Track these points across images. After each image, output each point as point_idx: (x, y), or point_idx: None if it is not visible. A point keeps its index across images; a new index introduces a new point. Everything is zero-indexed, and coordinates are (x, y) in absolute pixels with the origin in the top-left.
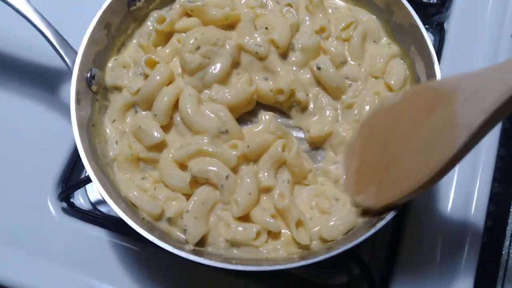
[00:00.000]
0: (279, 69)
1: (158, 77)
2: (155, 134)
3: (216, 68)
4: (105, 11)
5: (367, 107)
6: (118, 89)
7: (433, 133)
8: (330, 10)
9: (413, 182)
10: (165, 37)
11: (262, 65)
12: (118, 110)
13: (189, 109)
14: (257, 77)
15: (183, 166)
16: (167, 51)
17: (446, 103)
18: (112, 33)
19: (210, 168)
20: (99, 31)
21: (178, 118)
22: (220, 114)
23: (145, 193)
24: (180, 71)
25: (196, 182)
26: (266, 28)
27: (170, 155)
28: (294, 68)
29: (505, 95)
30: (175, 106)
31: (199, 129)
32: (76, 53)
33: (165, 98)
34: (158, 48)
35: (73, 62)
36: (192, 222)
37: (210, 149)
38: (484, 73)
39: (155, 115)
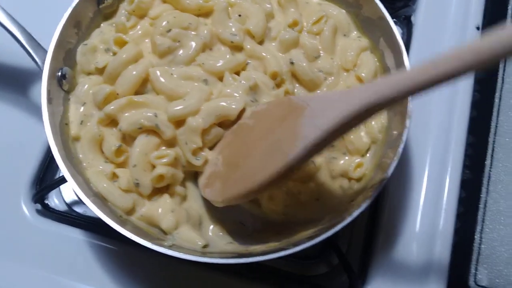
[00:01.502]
0: (264, 54)
1: (124, 55)
2: (105, 88)
3: (186, 51)
4: (74, 9)
5: None
6: (90, 74)
7: (277, 140)
8: (300, 4)
9: (251, 183)
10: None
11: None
12: (85, 91)
13: (162, 79)
14: None
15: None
16: (139, 32)
17: (296, 115)
18: (83, 31)
19: (137, 115)
20: (69, 30)
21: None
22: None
23: (115, 187)
24: (150, 51)
25: (131, 138)
26: (240, 16)
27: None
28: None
29: (337, 119)
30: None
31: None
32: (46, 52)
33: (133, 73)
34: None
35: (43, 61)
36: (142, 174)
37: (141, 99)
38: (333, 95)
39: (118, 94)
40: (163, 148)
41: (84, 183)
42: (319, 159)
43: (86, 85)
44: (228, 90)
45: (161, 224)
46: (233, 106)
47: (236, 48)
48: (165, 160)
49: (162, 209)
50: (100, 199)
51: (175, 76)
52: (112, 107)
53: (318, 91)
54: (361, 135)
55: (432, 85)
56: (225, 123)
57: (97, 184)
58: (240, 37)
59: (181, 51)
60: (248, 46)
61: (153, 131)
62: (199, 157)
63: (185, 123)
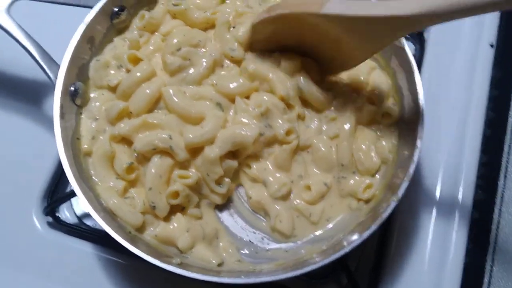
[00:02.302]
0: (270, 76)
1: (138, 74)
2: (118, 105)
3: (197, 69)
4: (88, 25)
5: (347, 125)
6: (103, 89)
7: None
8: None
9: None
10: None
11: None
12: (98, 107)
13: (175, 98)
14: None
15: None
16: (151, 48)
17: None
18: (96, 46)
19: (152, 137)
20: (82, 45)
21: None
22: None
23: (125, 203)
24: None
25: (144, 158)
26: (234, 27)
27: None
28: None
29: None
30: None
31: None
32: (59, 66)
33: (147, 91)
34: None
35: (56, 76)
36: (158, 197)
37: (155, 121)
38: None
39: (131, 112)
40: (179, 169)
41: (95, 198)
42: (329, 179)
43: (99, 102)
44: (243, 119)
45: (177, 243)
46: (249, 134)
47: (236, 62)
48: (187, 181)
49: (177, 228)
50: (110, 215)
51: (187, 95)
52: (127, 128)
53: (327, 111)
54: (371, 155)
55: None
56: (239, 151)
57: (107, 200)
58: (239, 52)
59: (192, 70)
60: (252, 67)
61: (167, 152)
62: (223, 184)
63: (202, 151)
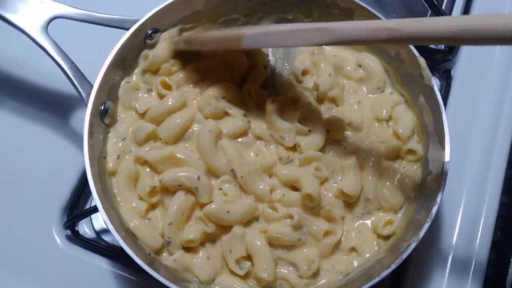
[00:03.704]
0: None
1: (170, 102)
2: (147, 127)
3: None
4: (122, 46)
5: (372, 159)
6: (132, 109)
7: None
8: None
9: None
10: None
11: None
12: (125, 128)
13: (206, 145)
14: None
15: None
16: (181, 75)
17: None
18: (127, 66)
19: (181, 174)
20: (115, 65)
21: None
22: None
23: (146, 225)
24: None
25: (167, 189)
26: None
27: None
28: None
29: None
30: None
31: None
32: (91, 86)
33: (177, 120)
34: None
35: (88, 95)
36: (175, 234)
37: (183, 157)
38: None
39: (160, 138)
40: (200, 210)
41: (117, 218)
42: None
43: (126, 123)
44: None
45: (199, 276)
46: (286, 239)
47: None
48: (207, 229)
49: (196, 258)
50: (130, 235)
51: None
52: (154, 155)
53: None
54: (395, 192)
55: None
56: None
57: (129, 221)
58: (290, 139)
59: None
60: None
61: (191, 190)
62: (242, 266)
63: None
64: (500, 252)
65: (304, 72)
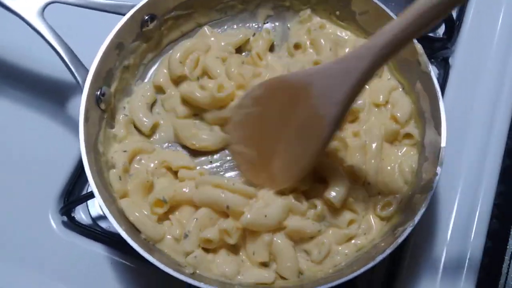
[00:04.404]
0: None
1: None
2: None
3: None
4: (118, 31)
5: (374, 144)
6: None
7: (302, 127)
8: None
9: (296, 169)
10: None
11: None
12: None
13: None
14: None
15: None
16: None
17: (305, 97)
18: (123, 52)
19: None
20: (111, 51)
21: None
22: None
23: (146, 216)
24: None
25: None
26: None
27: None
28: None
29: (349, 90)
30: None
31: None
32: (87, 71)
33: None
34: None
35: (84, 80)
36: (196, 230)
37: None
38: (330, 68)
39: None
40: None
41: (113, 203)
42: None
43: None
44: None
45: (224, 273)
46: (308, 231)
47: None
48: (228, 239)
49: (216, 258)
50: (128, 222)
51: None
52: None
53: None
54: (396, 177)
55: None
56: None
57: (129, 214)
58: None
59: None
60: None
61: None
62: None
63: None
64: (496, 241)
65: (297, 46)
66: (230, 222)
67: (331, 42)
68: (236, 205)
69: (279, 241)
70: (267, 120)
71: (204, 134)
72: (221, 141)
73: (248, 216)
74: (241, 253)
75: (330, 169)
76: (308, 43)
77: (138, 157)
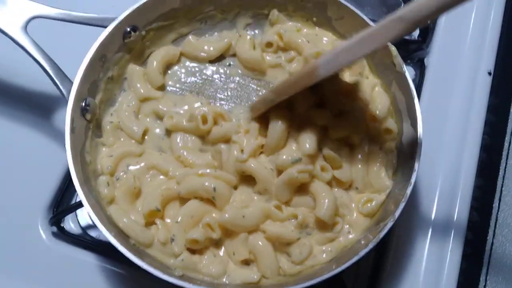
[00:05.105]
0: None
1: None
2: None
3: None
4: (101, 43)
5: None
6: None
7: None
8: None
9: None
10: None
11: None
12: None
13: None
14: None
15: None
16: None
17: None
18: (107, 64)
19: (198, 185)
20: (95, 63)
21: None
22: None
23: (135, 222)
24: None
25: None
26: None
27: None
28: None
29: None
30: None
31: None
32: (71, 83)
33: None
34: None
35: (69, 92)
36: (181, 233)
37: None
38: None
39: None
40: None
41: (101, 210)
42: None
43: None
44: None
45: (210, 274)
46: (287, 238)
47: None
48: (212, 234)
49: (203, 259)
50: (117, 229)
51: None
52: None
53: None
54: (382, 176)
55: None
56: None
57: (118, 220)
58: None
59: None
60: None
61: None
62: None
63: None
64: (476, 233)
65: (269, 45)
66: (213, 217)
67: (306, 37)
68: (221, 189)
69: (260, 242)
70: None
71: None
72: None
73: (226, 215)
74: (226, 254)
75: (317, 186)
76: (281, 44)
77: (125, 162)
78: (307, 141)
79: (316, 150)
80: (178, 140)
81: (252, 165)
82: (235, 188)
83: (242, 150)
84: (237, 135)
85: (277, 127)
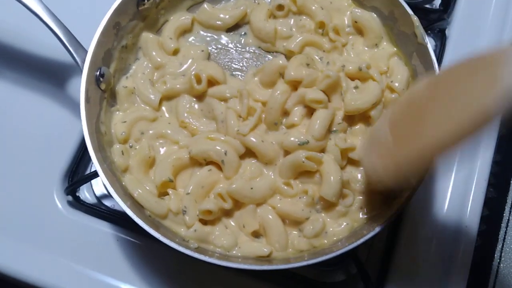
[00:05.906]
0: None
1: None
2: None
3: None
4: (115, 11)
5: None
6: None
7: (465, 92)
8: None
9: (435, 139)
10: None
11: None
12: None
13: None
14: None
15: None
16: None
17: (494, 65)
18: (121, 32)
19: (209, 147)
20: (109, 31)
21: None
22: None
23: (149, 192)
24: None
25: (196, 161)
26: None
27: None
28: None
29: None
30: None
31: None
32: (86, 52)
33: None
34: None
35: (83, 61)
36: (192, 205)
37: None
38: None
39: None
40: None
41: (116, 181)
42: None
43: None
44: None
45: (222, 245)
46: (299, 216)
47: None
48: (224, 205)
49: (215, 230)
50: (132, 199)
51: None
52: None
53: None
54: None
55: None
56: None
57: (133, 191)
58: None
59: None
60: None
61: (217, 165)
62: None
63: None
64: (492, 209)
65: (280, 7)
66: (224, 187)
67: (321, 4)
68: (231, 154)
69: (270, 215)
70: (428, 101)
71: None
72: None
73: (234, 185)
74: (237, 226)
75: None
76: (293, 8)
77: (139, 130)
78: (317, 122)
79: (324, 135)
80: (181, 104)
81: (253, 139)
82: (242, 158)
83: (239, 116)
84: (233, 99)
85: (277, 98)
